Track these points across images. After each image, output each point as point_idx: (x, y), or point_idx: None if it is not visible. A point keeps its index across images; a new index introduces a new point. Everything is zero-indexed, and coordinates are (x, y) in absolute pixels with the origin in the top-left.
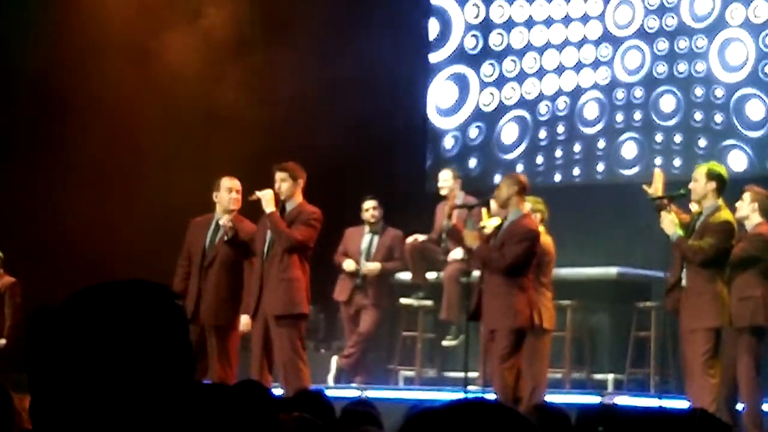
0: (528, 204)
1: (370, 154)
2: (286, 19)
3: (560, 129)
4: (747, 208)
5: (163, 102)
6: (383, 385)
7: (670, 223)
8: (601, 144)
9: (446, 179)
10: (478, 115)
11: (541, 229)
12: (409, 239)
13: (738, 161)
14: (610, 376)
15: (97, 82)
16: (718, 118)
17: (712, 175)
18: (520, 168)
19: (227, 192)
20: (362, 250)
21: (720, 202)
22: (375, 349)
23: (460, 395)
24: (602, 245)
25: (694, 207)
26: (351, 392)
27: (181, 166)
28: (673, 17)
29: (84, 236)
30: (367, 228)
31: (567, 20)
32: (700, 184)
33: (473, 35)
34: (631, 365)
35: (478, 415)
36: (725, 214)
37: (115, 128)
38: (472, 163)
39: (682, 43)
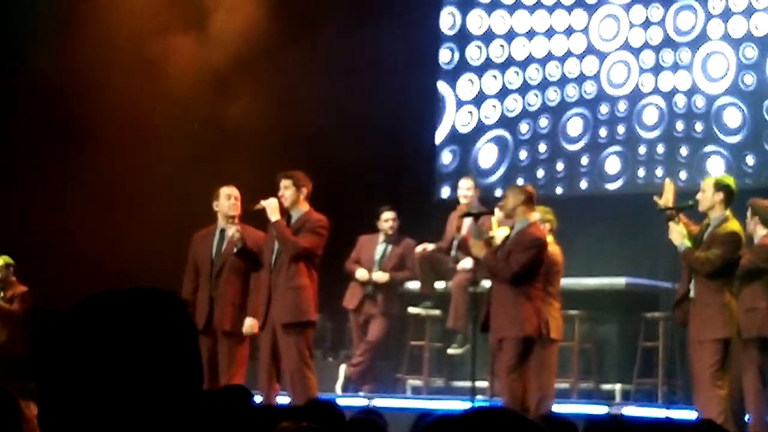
0: (537, 214)
1: (379, 161)
2: (295, 30)
3: (542, 148)
4: (750, 222)
5: (173, 110)
6: (391, 394)
7: (678, 234)
8: (585, 161)
9: (468, 188)
10: (453, 137)
11: (550, 239)
12: (418, 248)
13: (716, 166)
14: (618, 387)
15: (108, 92)
16: (698, 126)
17: (719, 186)
18: (499, 193)
19: (226, 199)
20: (375, 260)
21: (727, 213)
22: (383, 358)
23: (468, 405)
24: (610, 256)
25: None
26: (359, 401)
27: (191, 174)
28: (658, 31)
29: (95, 245)
30: (381, 237)
31: (550, 33)
32: (707, 195)
33: (448, 47)
34: (639, 375)
35: (495, 424)
36: (732, 225)
37: (127, 137)
38: (446, 192)
39: (667, 56)
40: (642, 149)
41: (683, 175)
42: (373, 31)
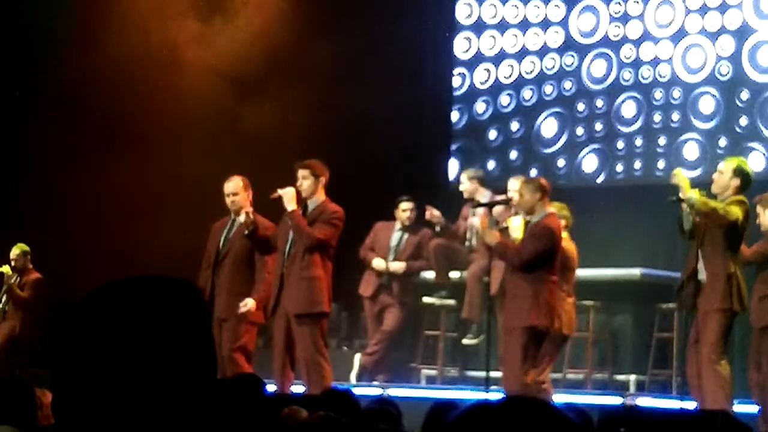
0: (553, 209)
1: (395, 151)
2: (313, 25)
3: (513, 155)
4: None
5: (199, 107)
6: (405, 383)
7: (686, 187)
8: (561, 162)
9: (462, 181)
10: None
11: (565, 235)
12: (426, 215)
13: (691, 152)
14: (632, 377)
15: (134, 89)
16: (675, 116)
17: (738, 172)
18: None
19: (226, 197)
20: (391, 247)
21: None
22: (397, 348)
23: (483, 395)
24: (626, 246)
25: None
26: (373, 390)
27: (217, 169)
28: (637, 24)
29: (122, 240)
30: (398, 225)
31: (525, 25)
32: (725, 177)
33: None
34: (653, 366)
35: (530, 415)
36: (738, 198)
37: (154, 134)
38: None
39: (648, 50)
40: (620, 144)
41: (661, 164)
42: (386, 25)
